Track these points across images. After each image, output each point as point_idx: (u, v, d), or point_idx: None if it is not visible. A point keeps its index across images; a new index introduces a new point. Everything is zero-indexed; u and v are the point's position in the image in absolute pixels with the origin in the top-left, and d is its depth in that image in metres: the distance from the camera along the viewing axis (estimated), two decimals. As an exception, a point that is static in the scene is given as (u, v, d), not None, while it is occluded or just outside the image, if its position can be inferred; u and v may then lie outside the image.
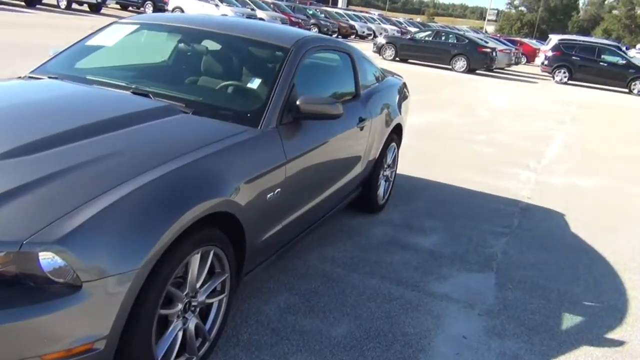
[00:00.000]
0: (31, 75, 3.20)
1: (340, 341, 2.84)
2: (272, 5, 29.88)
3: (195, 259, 2.25)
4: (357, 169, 3.96)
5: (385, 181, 4.79)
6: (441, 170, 6.43)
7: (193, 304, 2.36)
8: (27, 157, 2.11)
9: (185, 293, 2.27)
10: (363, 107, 3.93)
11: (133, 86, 2.99)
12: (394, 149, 4.76)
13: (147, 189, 2.05)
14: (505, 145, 8.48)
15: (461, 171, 6.52)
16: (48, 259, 1.77)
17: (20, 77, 3.20)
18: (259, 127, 2.78)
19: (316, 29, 31.29)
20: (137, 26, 3.55)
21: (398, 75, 5.41)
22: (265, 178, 2.66)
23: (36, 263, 1.77)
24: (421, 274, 3.71)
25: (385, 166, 4.67)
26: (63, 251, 1.76)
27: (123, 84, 3.00)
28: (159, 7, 26.91)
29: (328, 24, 32.31)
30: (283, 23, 27.04)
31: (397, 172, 5.95)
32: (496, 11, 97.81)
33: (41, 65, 3.29)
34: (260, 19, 26.10)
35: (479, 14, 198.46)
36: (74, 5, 23.35)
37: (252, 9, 26.74)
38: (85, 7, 24.00)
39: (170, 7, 25.64)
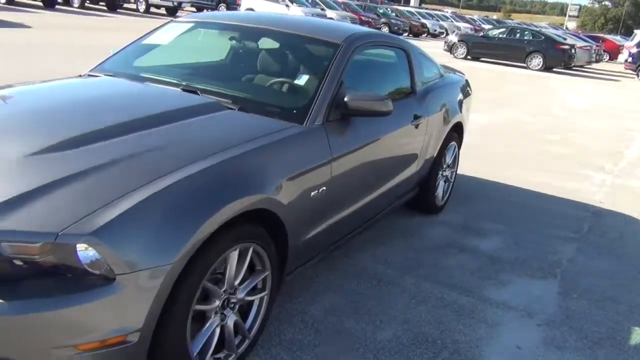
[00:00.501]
0: (90, 73, 3.29)
1: (385, 345, 2.75)
2: (342, 5, 29.87)
3: (234, 256, 2.22)
4: (413, 168, 3.84)
5: (445, 182, 4.63)
6: (508, 170, 6.17)
7: (232, 300, 2.33)
8: (71, 151, 2.16)
9: (223, 289, 2.25)
10: (419, 104, 3.81)
11: (184, 83, 3.02)
12: (454, 148, 4.59)
13: (184, 184, 2.04)
14: (580, 146, 8.04)
15: (530, 172, 6.22)
16: (85, 251, 1.79)
17: (80, 75, 3.29)
18: (304, 124, 2.73)
19: (387, 28, 31.10)
20: (191, 24, 3.59)
21: (460, 73, 5.23)
22: (310, 176, 2.60)
23: (74, 254, 1.79)
24: (478, 279, 3.54)
25: (445, 166, 4.52)
26: (97, 243, 1.77)
27: (174, 81, 3.04)
28: (232, 8, 27.53)
29: (399, 22, 31.98)
30: (353, 22, 27.04)
31: (461, 172, 5.78)
32: (578, 7, 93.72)
33: (100, 63, 3.38)
34: (330, 18, 26.21)
35: (560, 10, 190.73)
36: (152, 9, 24.27)
37: (322, 9, 26.84)
38: (163, 11, 24.90)
39: (242, 8, 26.14)
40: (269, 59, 3.29)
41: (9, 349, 1.76)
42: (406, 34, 32.78)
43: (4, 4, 19.37)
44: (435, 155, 4.17)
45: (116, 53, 3.46)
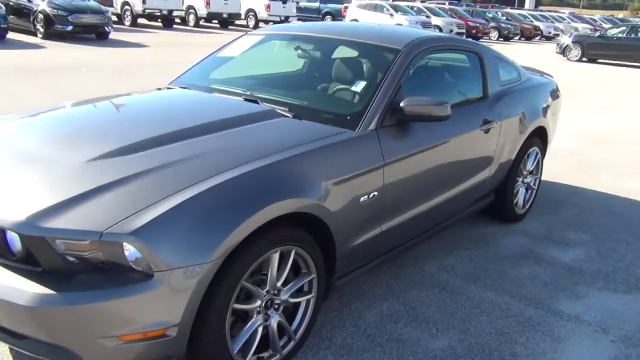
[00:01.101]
0: (168, 86, 3.53)
1: (438, 354, 2.69)
2: (449, 11, 29.34)
3: (274, 258, 2.30)
4: (484, 174, 3.72)
5: (526, 189, 4.43)
6: (605, 178, 5.77)
7: (276, 301, 2.41)
8: (128, 156, 2.35)
9: (265, 290, 2.33)
10: (490, 108, 3.69)
11: (248, 93, 3.16)
12: (536, 154, 4.38)
13: (223, 187, 2.15)
14: (699, 151, 7.30)
15: (630, 180, 5.77)
16: (130, 249, 1.94)
17: (159, 89, 3.55)
18: (356, 129, 2.76)
19: (496, 32, 30.13)
20: (263, 36, 3.75)
21: (548, 75, 4.99)
22: (359, 181, 2.63)
23: (122, 252, 1.95)
24: (551, 291, 3.36)
25: (525, 172, 4.32)
26: (137, 242, 1.91)
27: (239, 91, 3.19)
28: (337, 19, 28.01)
29: (509, 26, 30.83)
30: (459, 29, 26.50)
31: (551, 178, 5.50)
32: None
33: (177, 77, 3.63)
34: (436, 26, 25.84)
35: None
36: (261, 24, 25.30)
37: (427, 16, 26.53)
38: (271, 25, 25.85)
39: (346, 19, 26.50)
40: (330, 67, 3.35)
41: (62, 338, 1.94)
42: (517, 37, 31.54)
43: (128, 26, 21.15)
44: (512, 160, 4.01)
45: (192, 66, 3.68)
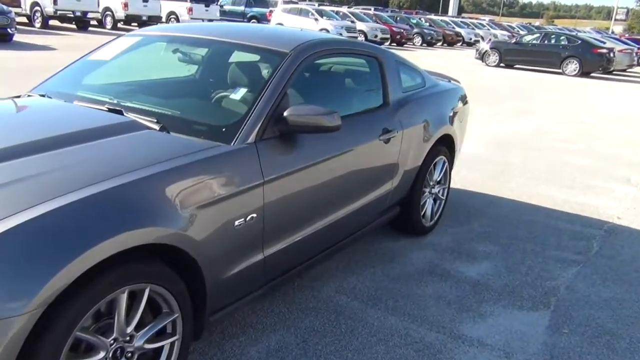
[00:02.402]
0: (29, 93, 3.08)
1: (325, 395, 2.40)
2: (373, 17, 29.58)
3: (121, 299, 1.93)
4: (386, 186, 3.48)
5: (434, 200, 4.24)
6: (518, 185, 5.71)
7: (128, 349, 2.04)
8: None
9: (112, 338, 1.96)
10: (391, 117, 3.46)
11: (115, 101, 2.77)
12: (444, 163, 4.20)
13: (50, 218, 1.76)
14: (605, 156, 7.46)
15: (543, 186, 5.74)
16: None
17: (18, 96, 3.09)
18: (232, 143, 2.43)
19: (420, 38, 30.68)
20: (140, 38, 3.35)
21: (455, 81, 4.85)
22: (233, 202, 2.30)
23: None
24: (455, 312, 3.15)
25: (432, 183, 4.13)
26: None
27: (105, 99, 2.79)
28: (263, 24, 27.65)
29: (432, 32, 31.51)
30: (384, 34, 26.72)
31: (464, 187, 5.37)
32: (625, 10, 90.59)
33: (41, 82, 3.18)
34: (361, 31, 25.94)
35: (606, 13, 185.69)
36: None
37: (352, 22, 26.60)
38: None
39: (272, 23, 26.19)
40: (210, 73, 3.01)
41: None
42: (440, 43, 32.23)
43: (38, 28, 19.92)
44: (417, 171, 3.80)
45: (59, 71, 3.24)
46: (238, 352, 2.63)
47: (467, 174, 5.91)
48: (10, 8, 15.13)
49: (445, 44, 32.90)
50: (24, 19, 20.14)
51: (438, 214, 4.30)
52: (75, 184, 1.94)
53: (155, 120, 2.53)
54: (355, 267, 3.57)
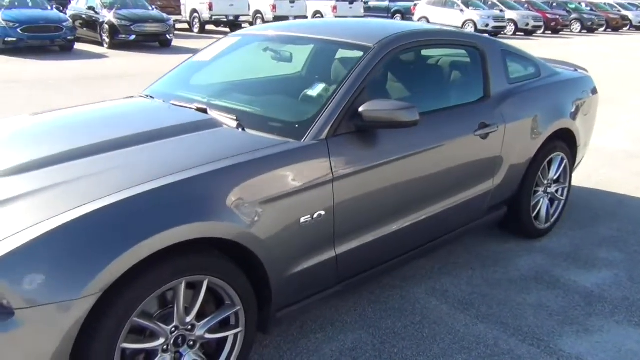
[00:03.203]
0: (140, 94, 3.34)
1: (391, 401, 2.31)
2: (526, 4, 27.87)
3: (179, 289, 2.01)
4: (485, 185, 3.26)
5: (551, 200, 3.89)
6: (663, 185, 5.04)
7: (190, 338, 2.13)
8: (28, 173, 2.16)
9: (173, 326, 2.06)
10: (491, 110, 3.22)
11: (205, 100, 2.90)
12: (562, 160, 3.83)
13: (110, 210, 1.89)
14: None
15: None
16: None
17: (132, 97, 3.35)
18: (302, 139, 2.42)
19: (579, 24, 28.37)
20: (239, 38, 3.47)
21: (582, 69, 4.38)
22: (298, 198, 2.29)
23: None
24: (556, 324, 2.86)
25: (547, 181, 3.79)
26: (-6, 275, 1.70)
27: (198, 98, 2.93)
28: (408, 19, 27.33)
29: (593, 17, 28.95)
30: (536, 22, 25.11)
31: (599, 187, 4.87)
32: None
33: (152, 84, 3.43)
34: (510, 19, 24.61)
35: None
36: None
37: (501, 10, 25.30)
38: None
39: (415, 17, 25.80)
40: (296, 70, 3.03)
41: None
42: (602, 28, 29.51)
43: (197, 33, 21.58)
44: (525, 169, 3.51)
45: (166, 74, 3.47)
46: (312, 348, 2.63)
47: (606, 172, 5.35)
48: (170, 16, 16.59)
49: (608, 29, 30.07)
50: (185, 25, 21.90)
51: (556, 216, 3.94)
52: (145, 177, 2.06)
53: (235, 118, 2.61)
54: (452, 269, 3.40)
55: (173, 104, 2.94)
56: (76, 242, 1.80)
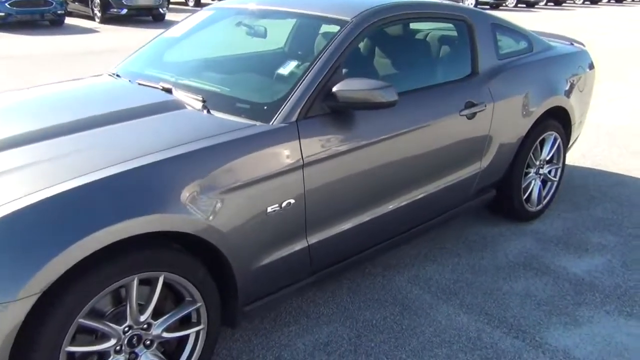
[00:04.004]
0: (110, 72, 3.15)
1: (364, 401, 2.18)
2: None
3: (131, 287, 1.87)
4: (471, 168, 3.09)
5: (543, 181, 3.73)
6: (662, 164, 4.87)
7: (147, 337, 1.99)
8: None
9: (126, 325, 1.92)
10: (479, 88, 3.04)
11: (173, 79, 2.72)
12: (554, 139, 3.65)
13: (53, 201, 1.72)
14: None
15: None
16: None
17: (101, 74, 3.17)
18: (270, 122, 2.25)
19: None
20: (212, 12, 3.26)
21: (579, 44, 4.17)
22: (264, 186, 2.13)
23: None
24: (543, 314, 2.72)
25: (539, 162, 3.62)
26: None
27: (166, 77, 2.75)
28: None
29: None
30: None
31: (596, 166, 4.71)
32: None
33: (121, 61, 3.24)
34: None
35: None
36: None
37: (503, -19, 24.75)
38: None
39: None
40: (269, 46, 2.84)
41: None
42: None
43: (192, 6, 21.15)
44: (515, 149, 3.34)
45: (137, 50, 3.28)
46: (285, 342, 2.49)
47: (603, 151, 5.17)
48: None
49: (612, 0, 29.53)
50: (183, -1, 21.48)
51: (548, 198, 3.78)
52: (91, 166, 1.90)
53: (201, 99, 2.43)
54: (437, 255, 3.25)
55: (139, 84, 2.76)
56: (12, 237, 1.64)
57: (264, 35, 3.02)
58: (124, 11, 14.59)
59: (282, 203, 2.19)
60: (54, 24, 13.76)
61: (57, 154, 2.02)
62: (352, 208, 2.50)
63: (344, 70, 2.47)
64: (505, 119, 3.17)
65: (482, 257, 3.25)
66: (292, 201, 2.23)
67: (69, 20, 14.57)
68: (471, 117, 2.95)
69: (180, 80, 2.70)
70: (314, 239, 2.37)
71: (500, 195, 3.45)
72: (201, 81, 2.66)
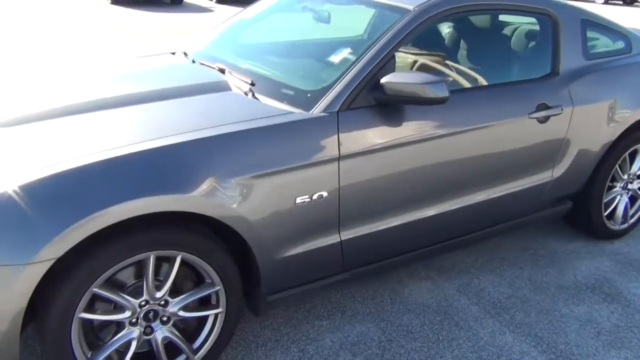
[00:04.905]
0: (183, 51, 3.22)
1: (377, 409, 2.08)
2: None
3: (148, 263, 1.89)
4: (540, 176, 2.84)
5: (632, 198, 3.36)
6: None
7: (164, 314, 2.02)
8: (32, 124, 2.11)
9: (142, 299, 1.95)
10: (557, 89, 2.77)
11: (231, 61, 2.73)
12: (649, 153, 3.27)
13: (74, 174, 1.78)
14: None
15: None
16: None
17: (173, 53, 3.25)
18: (310, 111, 2.19)
19: None
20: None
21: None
22: (293, 176, 2.07)
23: None
24: (601, 345, 2.46)
25: (628, 177, 3.27)
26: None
27: (226, 59, 2.76)
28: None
29: None
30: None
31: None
32: None
33: (195, 41, 3.31)
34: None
35: None
36: None
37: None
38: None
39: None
40: (331, 32, 2.76)
41: None
42: None
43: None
44: (597, 160, 3.03)
45: (210, 30, 3.33)
46: (312, 336, 2.44)
47: None
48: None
49: None
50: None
51: (637, 216, 3.41)
52: (123, 141, 1.94)
53: (249, 82, 2.42)
54: (496, 266, 3.04)
55: (200, 63, 2.80)
56: (37, 204, 1.71)
57: (327, 20, 2.94)
58: (241, -8, 15.03)
59: (312, 195, 2.13)
60: (174, 2, 14.49)
61: (103, 125, 2.09)
62: (393, 208, 2.38)
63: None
64: (585, 125, 2.88)
65: (546, 273, 3.00)
66: (325, 194, 2.16)
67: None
68: (543, 120, 2.70)
69: (237, 62, 2.71)
70: (347, 235, 2.29)
71: (577, 209, 3.15)
72: (255, 64, 2.65)
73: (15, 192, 1.71)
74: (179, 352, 2.10)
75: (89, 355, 1.92)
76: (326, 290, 2.46)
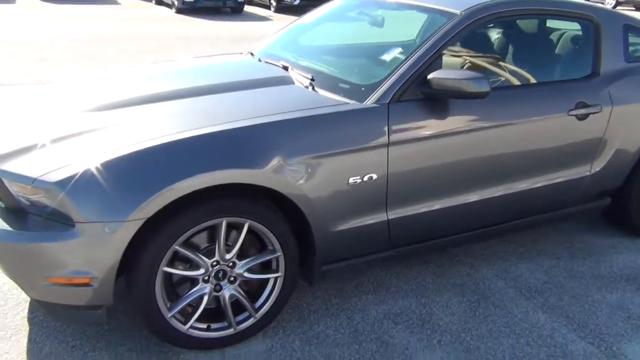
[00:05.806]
0: (250, 51, 3.57)
1: (417, 369, 2.32)
2: None
3: (220, 228, 2.21)
4: (578, 171, 3.01)
5: (672, 197, 3.47)
6: None
7: (231, 274, 2.33)
8: (114, 110, 2.47)
9: (214, 260, 2.27)
10: (597, 89, 2.95)
11: (293, 59, 3.04)
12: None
13: (165, 148, 2.11)
14: None
15: None
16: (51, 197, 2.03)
17: (240, 53, 3.61)
18: (364, 102, 2.47)
19: None
20: (341, 2, 3.53)
21: None
22: (347, 158, 2.35)
23: (58, 199, 2.05)
24: (630, 328, 2.62)
25: (666, 175, 3.39)
26: (58, 192, 2.00)
27: (289, 57, 3.08)
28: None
29: None
30: None
31: None
32: None
33: (261, 42, 3.64)
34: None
35: None
36: None
37: None
38: None
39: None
40: (383, 35, 3.03)
41: (7, 270, 2.15)
42: None
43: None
44: (636, 158, 3.18)
45: (272, 35, 3.66)
46: (360, 307, 2.70)
47: None
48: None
49: None
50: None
51: (676, 216, 3.51)
52: (205, 122, 2.26)
53: (309, 77, 2.72)
54: (534, 256, 3.22)
55: (266, 61, 3.12)
56: (132, 171, 2.05)
57: (381, 24, 3.22)
58: (297, 1, 15.49)
59: (364, 176, 2.40)
60: (235, 11, 15.08)
61: (185, 110, 2.43)
62: (436, 192, 2.62)
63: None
64: (624, 125, 3.04)
65: (582, 264, 3.17)
66: (375, 176, 2.42)
67: (248, 9, 15.85)
68: (582, 118, 2.89)
69: (298, 60, 3.01)
70: (393, 214, 2.54)
71: (616, 204, 3.30)
72: (314, 62, 2.95)
73: (120, 160, 2.06)
74: (242, 310, 2.40)
75: (168, 305, 2.24)
76: (373, 266, 2.72)
